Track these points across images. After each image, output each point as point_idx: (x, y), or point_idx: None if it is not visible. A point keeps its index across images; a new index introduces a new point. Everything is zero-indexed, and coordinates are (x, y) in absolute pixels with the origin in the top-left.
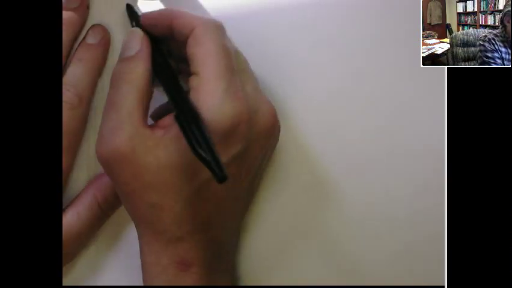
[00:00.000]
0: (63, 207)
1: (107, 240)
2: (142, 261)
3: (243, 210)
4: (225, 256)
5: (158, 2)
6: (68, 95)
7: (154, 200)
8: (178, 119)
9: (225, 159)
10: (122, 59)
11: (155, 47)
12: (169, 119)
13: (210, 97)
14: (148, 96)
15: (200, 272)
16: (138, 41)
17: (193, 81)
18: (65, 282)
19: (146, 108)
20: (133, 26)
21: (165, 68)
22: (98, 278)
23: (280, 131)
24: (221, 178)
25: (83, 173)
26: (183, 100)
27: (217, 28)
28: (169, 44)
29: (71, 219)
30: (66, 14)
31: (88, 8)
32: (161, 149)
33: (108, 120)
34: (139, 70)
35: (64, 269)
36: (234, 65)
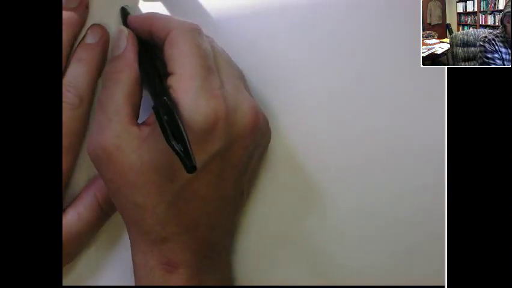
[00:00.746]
0: (64, 207)
1: (107, 240)
2: (132, 263)
3: (233, 211)
4: (216, 257)
5: (159, 3)
6: (68, 95)
7: (137, 199)
8: (155, 109)
9: (205, 157)
10: (111, 59)
11: (142, 46)
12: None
13: (185, 95)
14: (136, 94)
15: (187, 272)
16: (124, 39)
17: (170, 81)
18: (65, 282)
19: (134, 106)
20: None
21: (149, 65)
22: (98, 278)
23: (281, 130)
24: (189, 168)
25: (83, 173)
26: (162, 93)
27: (192, 30)
28: (156, 46)
29: (71, 219)
30: (65, 14)
31: (87, 7)
32: (145, 147)
33: (97, 119)
34: (126, 69)
35: (64, 269)
36: (212, 64)
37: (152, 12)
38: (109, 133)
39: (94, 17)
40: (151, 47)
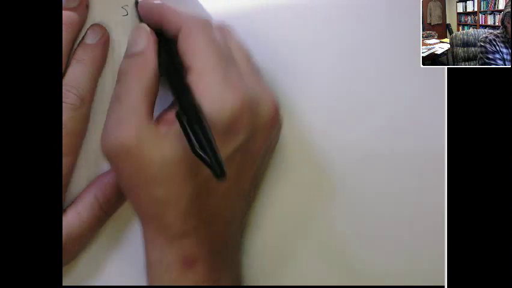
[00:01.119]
0: (64, 207)
1: (107, 240)
2: (146, 261)
3: (245, 207)
4: (228, 254)
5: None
6: (69, 96)
7: (158, 194)
8: (178, 117)
9: (230, 149)
10: (129, 55)
11: (161, 44)
12: (172, 114)
13: (208, 89)
14: (154, 92)
15: (203, 269)
16: (145, 37)
17: (189, 77)
18: (65, 282)
19: (151, 104)
20: (140, 22)
21: (170, 65)
22: (98, 278)
23: (283, 130)
24: (220, 175)
25: (83, 173)
26: (186, 98)
27: (204, 24)
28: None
29: (72, 219)
30: (65, 14)
31: (87, 7)
32: (166, 143)
33: (114, 114)
34: (146, 66)
35: (64, 269)
36: (228, 57)
37: (162, 4)
38: (128, 128)
39: (94, 17)
40: (166, 42)
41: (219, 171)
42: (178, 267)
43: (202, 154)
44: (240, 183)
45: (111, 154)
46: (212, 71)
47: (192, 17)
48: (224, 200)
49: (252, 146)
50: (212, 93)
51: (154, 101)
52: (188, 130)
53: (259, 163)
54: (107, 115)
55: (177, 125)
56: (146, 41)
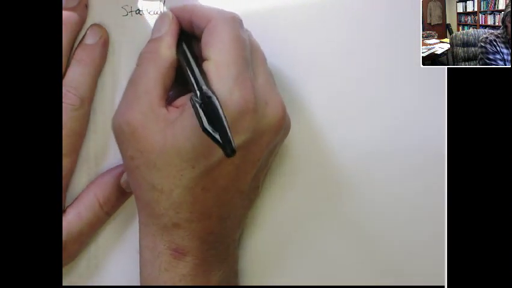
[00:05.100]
0: (65, 207)
1: (107, 240)
2: (139, 244)
3: (246, 206)
4: (224, 249)
5: (159, 2)
6: (69, 96)
7: (155, 181)
8: (191, 99)
9: None
10: (150, 40)
11: (184, 33)
12: (184, 98)
13: (219, 82)
14: (169, 78)
15: (194, 261)
16: (166, 24)
17: (205, 66)
18: (65, 282)
19: (165, 88)
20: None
21: (189, 52)
22: (98, 278)
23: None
24: (229, 152)
25: (83, 173)
26: (201, 81)
27: (233, 20)
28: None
29: (72, 219)
30: (65, 14)
31: (86, 6)
32: (171, 130)
33: (126, 95)
34: (162, 51)
35: (64, 269)
36: (248, 56)
37: (192, 3)
38: (137, 109)
39: (93, 17)
40: (190, 35)
41: (228, 149)
42: (168, 256)
43: (211, 131)
44: (239, 183)
45: (118, 132)
46: (227, 66)
47: (221, 11)
48: (220, 197)
49: (255, 147)
50: (221, 87)
51: (170, 85)
52: (199, 108)
53: (262, 164)
54: (122, 96)
55: (186, 110)
56: (167, 26)
